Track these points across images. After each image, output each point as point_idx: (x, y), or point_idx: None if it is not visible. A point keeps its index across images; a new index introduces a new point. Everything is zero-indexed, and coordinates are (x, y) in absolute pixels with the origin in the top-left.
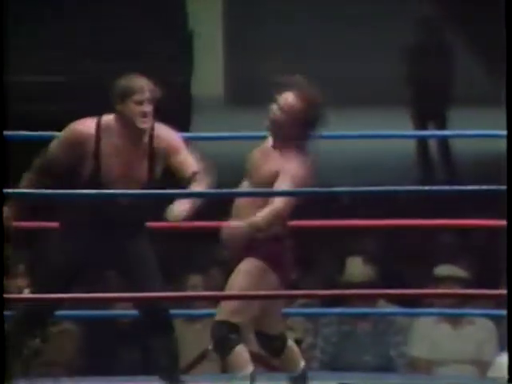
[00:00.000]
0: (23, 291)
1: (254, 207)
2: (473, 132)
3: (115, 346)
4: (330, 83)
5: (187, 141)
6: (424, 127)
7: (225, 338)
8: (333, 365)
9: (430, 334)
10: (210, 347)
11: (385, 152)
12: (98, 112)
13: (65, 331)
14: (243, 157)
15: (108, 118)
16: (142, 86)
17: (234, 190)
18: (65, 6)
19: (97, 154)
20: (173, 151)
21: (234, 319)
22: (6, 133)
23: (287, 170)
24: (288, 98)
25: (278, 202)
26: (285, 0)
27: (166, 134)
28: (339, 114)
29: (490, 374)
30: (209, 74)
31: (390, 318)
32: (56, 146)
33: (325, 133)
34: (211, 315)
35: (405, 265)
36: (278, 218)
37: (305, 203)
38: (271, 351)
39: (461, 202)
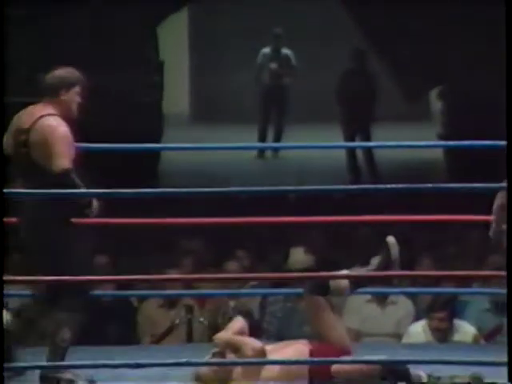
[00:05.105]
0: None
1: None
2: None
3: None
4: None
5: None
6: (352, 140)
7: None
8: (278, 336)
9: (361, 311)
10: (176, 322)
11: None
12: None
13: None
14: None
15: (50, 110)
16: (82, 79)
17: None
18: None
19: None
20: None
21: None
22: None
23: None
24: None
25: None
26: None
27: None
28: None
29: (404, 341)
30: (176, 94)
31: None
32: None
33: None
34: None
35: (341, 254)
36: None
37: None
38: None
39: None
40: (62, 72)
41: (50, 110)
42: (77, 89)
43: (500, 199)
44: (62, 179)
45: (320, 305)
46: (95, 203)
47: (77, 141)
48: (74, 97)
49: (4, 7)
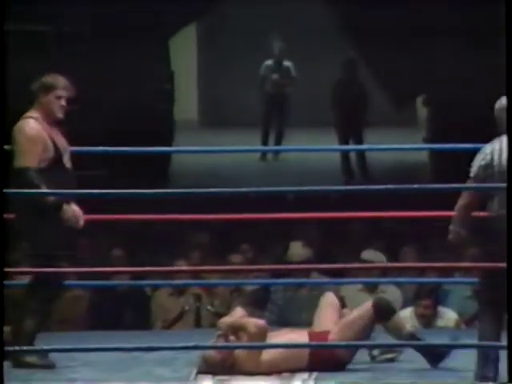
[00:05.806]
0: None
1: None
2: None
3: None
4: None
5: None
6: (346, 143)
7: None
8: (278, 322)
9: (353, 299)
10: (186, 308)
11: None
12: None
13: (76, 296)
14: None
15: (32, 113)
16: (65, 84)
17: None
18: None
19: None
20: None
21: None
22: None
23: None
24: None
25: None
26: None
27: None
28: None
29: None
30: (186, 102)
31: (322, 286)
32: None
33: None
34: None
35: (334, 247)
36: None
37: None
38: None
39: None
40: (45, 77)
41: (32, 113)
42: (58, 93)
43: (464, 199)
44: (19, 176)
45: (333, 302)
46: (69, 208)
47: (71, 143)
48: (52, 99)
49: (5, 10)
